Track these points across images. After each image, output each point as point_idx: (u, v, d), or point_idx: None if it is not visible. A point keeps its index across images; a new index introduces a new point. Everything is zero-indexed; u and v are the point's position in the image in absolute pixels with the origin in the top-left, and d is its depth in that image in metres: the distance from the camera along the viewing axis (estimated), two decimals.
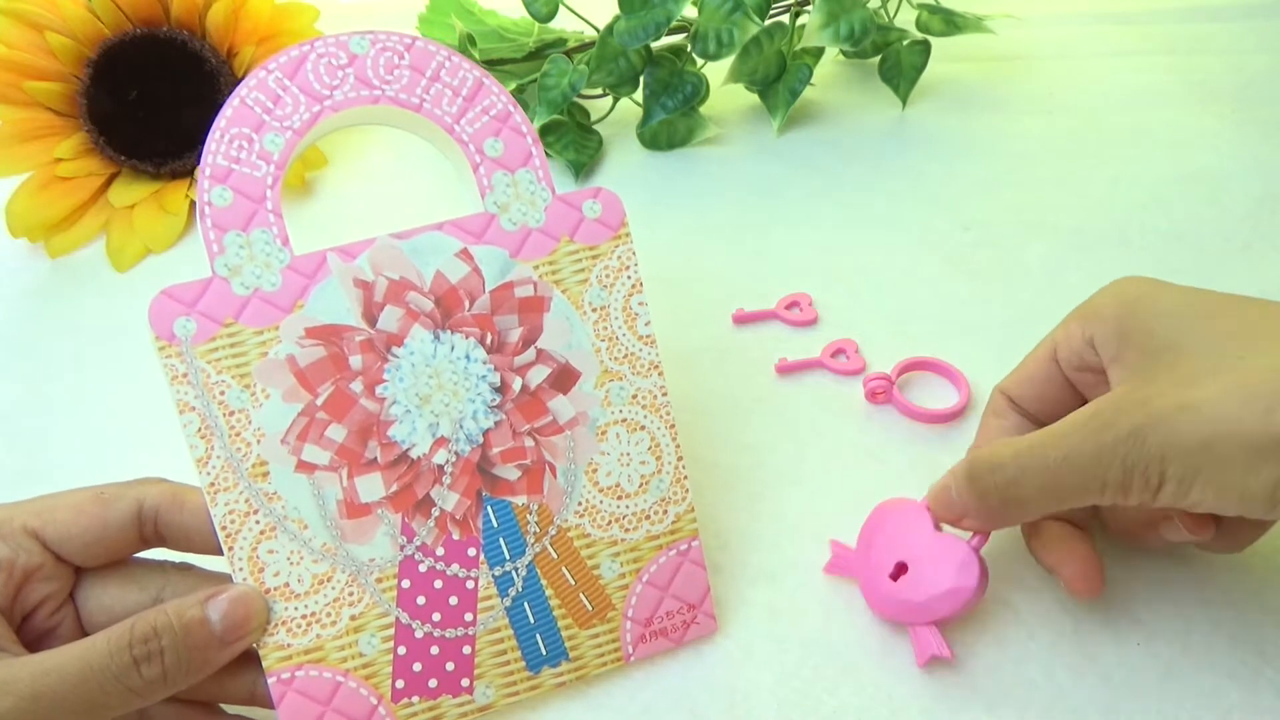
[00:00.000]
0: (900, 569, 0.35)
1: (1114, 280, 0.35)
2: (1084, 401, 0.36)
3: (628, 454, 0.36)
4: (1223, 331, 0.31)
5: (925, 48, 0.63)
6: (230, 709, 0.34)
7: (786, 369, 0.47)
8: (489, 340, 0.34)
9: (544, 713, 0.35)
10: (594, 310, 0.35)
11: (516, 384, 0.34)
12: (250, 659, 0.32)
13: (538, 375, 0.35)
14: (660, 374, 0.36)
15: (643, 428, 0.36)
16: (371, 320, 0.33)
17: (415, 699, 0.33)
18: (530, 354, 0.35)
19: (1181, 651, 0.35)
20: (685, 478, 0.36)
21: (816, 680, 0.35)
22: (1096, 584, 0.34)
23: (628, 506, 0.36)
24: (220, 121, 0.33)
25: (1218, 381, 0.29)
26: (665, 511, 0.36)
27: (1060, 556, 0.35)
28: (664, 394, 0.36)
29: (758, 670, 0.36)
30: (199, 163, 0.57)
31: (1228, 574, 0.37)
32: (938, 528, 0.35)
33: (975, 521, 0.34)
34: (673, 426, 0.36)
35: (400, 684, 0.33)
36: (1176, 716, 0.34)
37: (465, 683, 0.34)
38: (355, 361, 0.33)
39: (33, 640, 0.32)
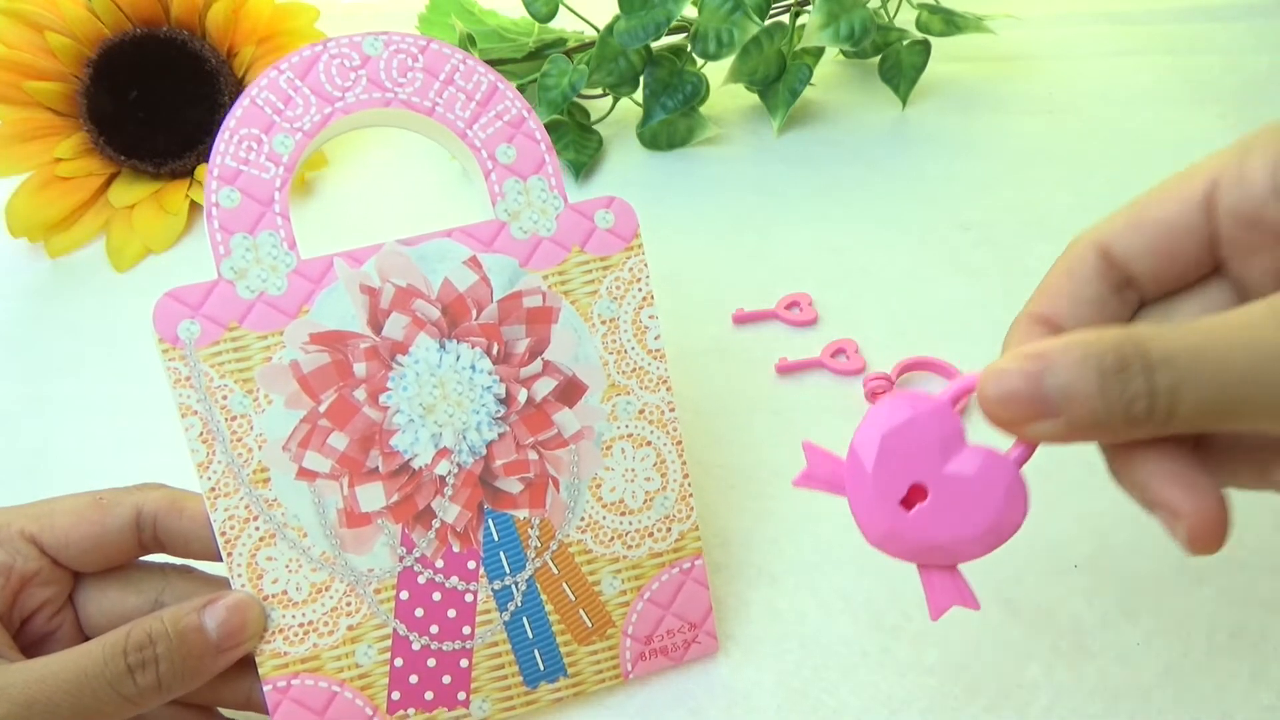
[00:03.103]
0: (916, 493, 0.27)
1: None
2: (1224, 274, 0.26)
3: (633, 470, 0.35)
4: None
5: (925, 48, 0.63)
6: (227, 712, 0.34)
7: (786, 369, 0.47)
8: (495, 350, 0.34)
9: (543, 711, 0.35)
10: (603, 322, 0.35)
11: (522, 396, 0.34)
12: (248, 664, 0.32)
13: (544, 387, 0.34)
14: (669, 389, 0.35)
15: (649, 443, 0.35)
16: (377, 327, 0.33)
17: (411, 711, 0.33)
18: (537, 365, 0.34)
19: (1182, 652, 0.35)
20: (690, 495, 0.36)
21: (816, 680, 0.36)
22: (1222, 531, 0.24)
23: (631, 523, 0.35)
24: (230, 122, 0.32)
25: None
26: (669, 529, 0.35)
27: (1181, 492, 0.24)
28: (671, 410, 0.35)
29: (758, 670, 0.36)
30: (203, 162, 0.57)
31: (1228, 574, 0.37)
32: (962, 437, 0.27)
33: (1066, 430, 0.23)
34: (679, 443, 0.35)
35: (396, 696, 0.33)
36: (1176, 716, 0.34)
37: (462, 696, 0.34)
38: (359, 369, 0.33)
39: (32, 644, 0.32)
